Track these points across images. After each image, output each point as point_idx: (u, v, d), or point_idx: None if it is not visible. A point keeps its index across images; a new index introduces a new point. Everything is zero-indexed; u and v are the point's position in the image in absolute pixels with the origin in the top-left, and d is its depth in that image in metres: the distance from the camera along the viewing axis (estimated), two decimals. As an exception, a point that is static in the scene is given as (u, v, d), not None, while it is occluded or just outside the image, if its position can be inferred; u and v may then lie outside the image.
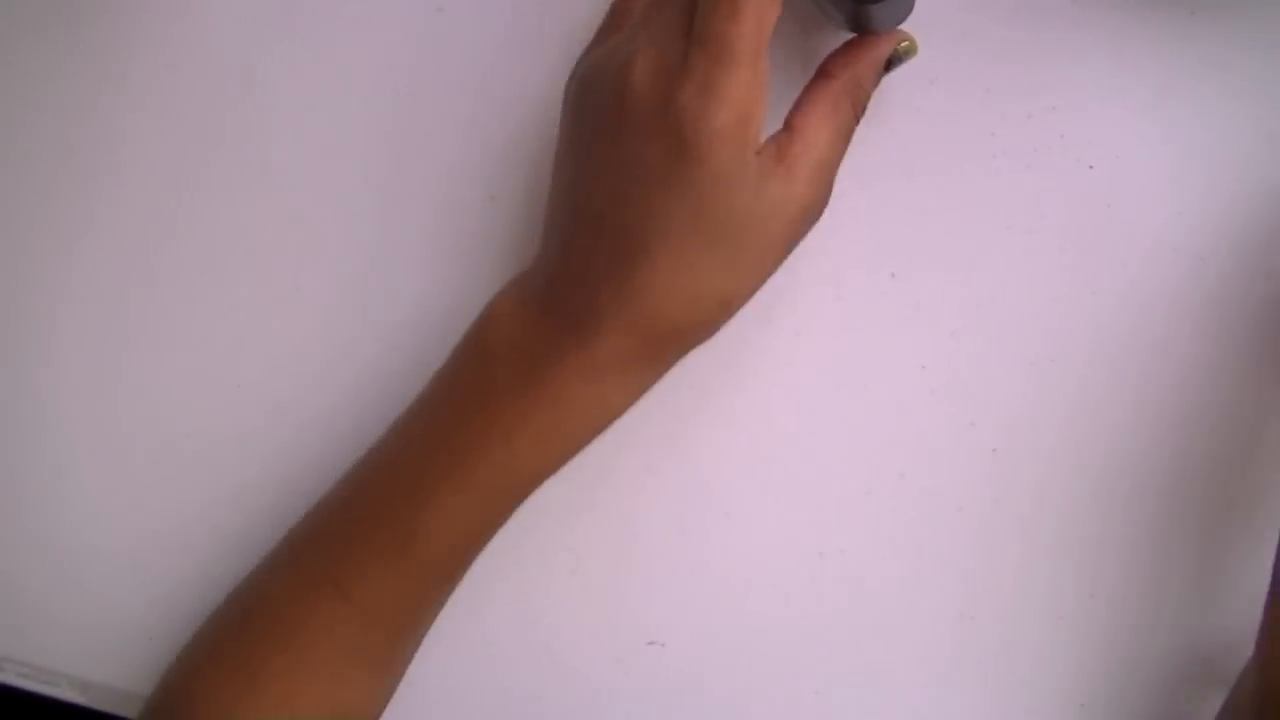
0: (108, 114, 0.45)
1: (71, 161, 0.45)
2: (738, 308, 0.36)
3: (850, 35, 0.40)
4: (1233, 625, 0.43)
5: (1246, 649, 0.38)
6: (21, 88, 0.45)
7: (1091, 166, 0.42)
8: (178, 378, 0.46)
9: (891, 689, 0.46)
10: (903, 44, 0.39)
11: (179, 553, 0.47)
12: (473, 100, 0.43)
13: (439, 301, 0.45)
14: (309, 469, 0.46)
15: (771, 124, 0.36)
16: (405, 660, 0.40)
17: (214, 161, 0.45)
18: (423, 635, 0.40)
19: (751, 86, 0.34)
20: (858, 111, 0.37)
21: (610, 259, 0.35)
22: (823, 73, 0.38)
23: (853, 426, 0.43)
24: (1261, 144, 0.42)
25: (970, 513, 0.44)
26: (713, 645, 0.45)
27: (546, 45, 0.43)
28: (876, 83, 0.38)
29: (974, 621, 0.45)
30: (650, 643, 0.45)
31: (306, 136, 0.44)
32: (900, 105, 0.42)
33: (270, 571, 0.41)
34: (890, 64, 0.38)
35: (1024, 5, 0.40)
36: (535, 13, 0.43)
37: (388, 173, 0.44)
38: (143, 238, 0.46)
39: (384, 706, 0.40)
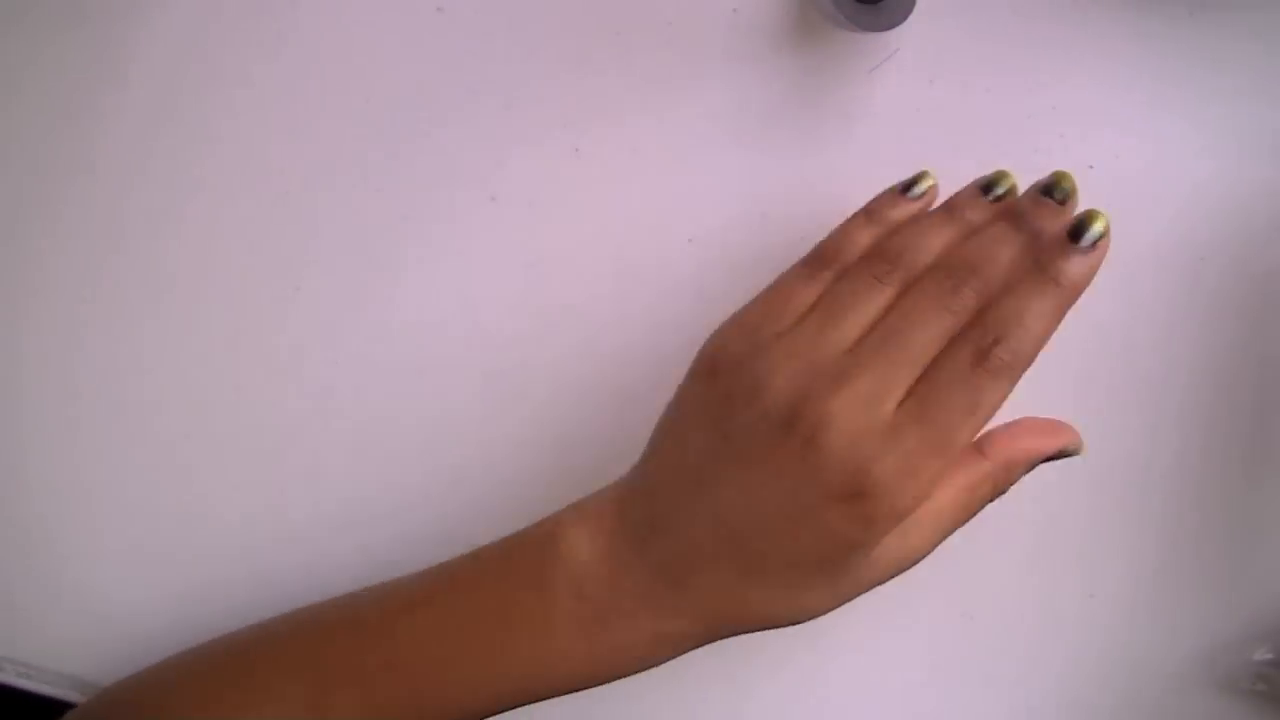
0: (107, 113, 0.45)
1: (70, 161, 0.45)
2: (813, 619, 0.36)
3: (852, 34, 0.40)
4: (1233, 625, 0.43)
5: (1247, 649, 0.38)
6: (21, 88, 0.45)
7: (1091, 166, 0.42)
8: (178, 378, 0.46)
9: (892, 689, 0.46)
10: (1067, 443, 0.37)
11: (179, 553, 0.47)
12: (473, 100, 0.43)
13: (439, 301, 0.45)
14: (309, 469, 0.46)
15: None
16: None
17: (213, 161, 0.45)
18: None
19: (944, 474, 0.33)
20: (997, 494, 0.36)
21: (725, 564, 0.34)
22: (979, 449, 0.36)
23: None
24: (1261, 144, 0.42)
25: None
26: (714, 645, 0.45)
27: (546, 45, 0.43)
28: (1028, 472, 0.37)
29: (974, 621, 0.45)
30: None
31: (306, 136, 0.44)
32: (900, 105, 0.42)
33: (248, 657, 0.40)
34: (1055, 456, 0.37)
35: (1024, 5, 0.41)
36: (535, 13, 0.43)
37: (388, 173, 0.44)
38: (142, 238, 0.46)
39: None
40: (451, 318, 0.45)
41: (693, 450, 0.35)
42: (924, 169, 0.39)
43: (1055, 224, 0.35)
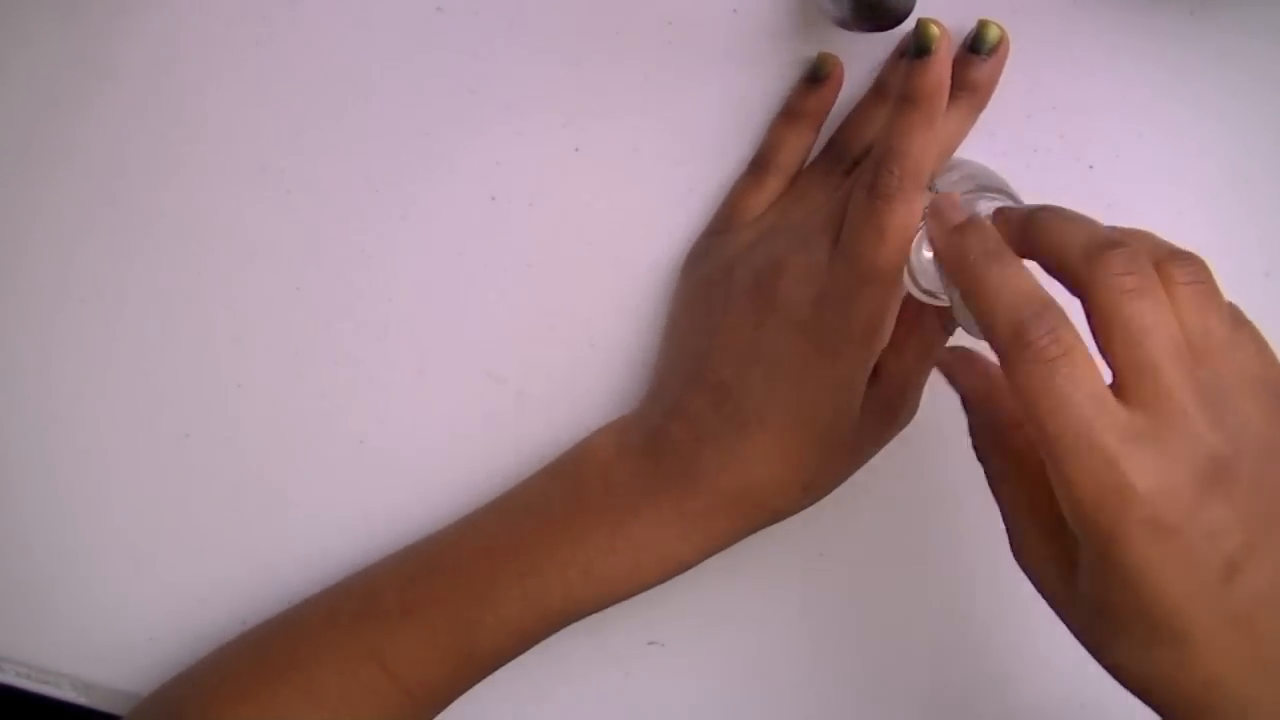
0: (106, 115, 0.45)
1: (69, 161, 0.45)
2: (818, 499, 0.39)
3: (852, 34, 0.40)
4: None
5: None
6: (13, 83, 0.45)
7: (1091, 166, 0.42)
8: (178, 378, 0.46)
9: (892, 688, 0.46)
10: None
11: (179, 553, 0.47)
12: (473, 100, 0.43)
13: (439, 301, 0.45)
14: (309, 468, 0.46)
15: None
16: None
17: (212, 161, 0.45)
18: None
19: (886, 302, 0.36)
20: (946, 328, 0.39)
21: (722, 425, 0.38)
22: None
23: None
24: (1261, 143, 0.42)
25: (970, 512, 0.44)
26: (713, 645, 0.45)
27: (546, 45, 0.43)
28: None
29: (973, 621, 0.45)
30: (650, 643, 0.45)
31: (306, 136, 0.44)
32: (900, 105, 0.42)
33: (302, 627, 0.42)
34: None
35: (1024, 5, 0.40)
36: (535, 12, 0.43)
37: (388, 173, 0.44)
38: (142, 238, 0.46)
39: None
40: (451, 317, 0.45)
41: (685, 337, 0.40)
42: (821, 52, 0.41)
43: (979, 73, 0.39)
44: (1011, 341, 0.29)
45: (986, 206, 0.38)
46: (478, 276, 0.45)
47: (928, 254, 0.39)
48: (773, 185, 0.41)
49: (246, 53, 0.44)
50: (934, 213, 0.34)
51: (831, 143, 0.41)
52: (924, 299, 0.38)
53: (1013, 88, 0.42)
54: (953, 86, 0.37)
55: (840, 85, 0.41)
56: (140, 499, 0.47)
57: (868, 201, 0.36)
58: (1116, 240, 0.30)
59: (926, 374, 0.39)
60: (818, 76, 0.41)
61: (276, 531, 0.47)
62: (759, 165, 0.42)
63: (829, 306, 0.36)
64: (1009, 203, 0.38)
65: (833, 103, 0.41)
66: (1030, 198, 0.38)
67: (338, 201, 0.45)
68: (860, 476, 0.43)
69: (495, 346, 0.45)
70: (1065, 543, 0.31)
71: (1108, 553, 0.28)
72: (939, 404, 0.43)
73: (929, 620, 0.46)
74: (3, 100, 0.45)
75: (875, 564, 0.45)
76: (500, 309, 0.45)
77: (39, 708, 0.48)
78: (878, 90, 0.41)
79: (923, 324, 0.39)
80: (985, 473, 0.34)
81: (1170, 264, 0.30)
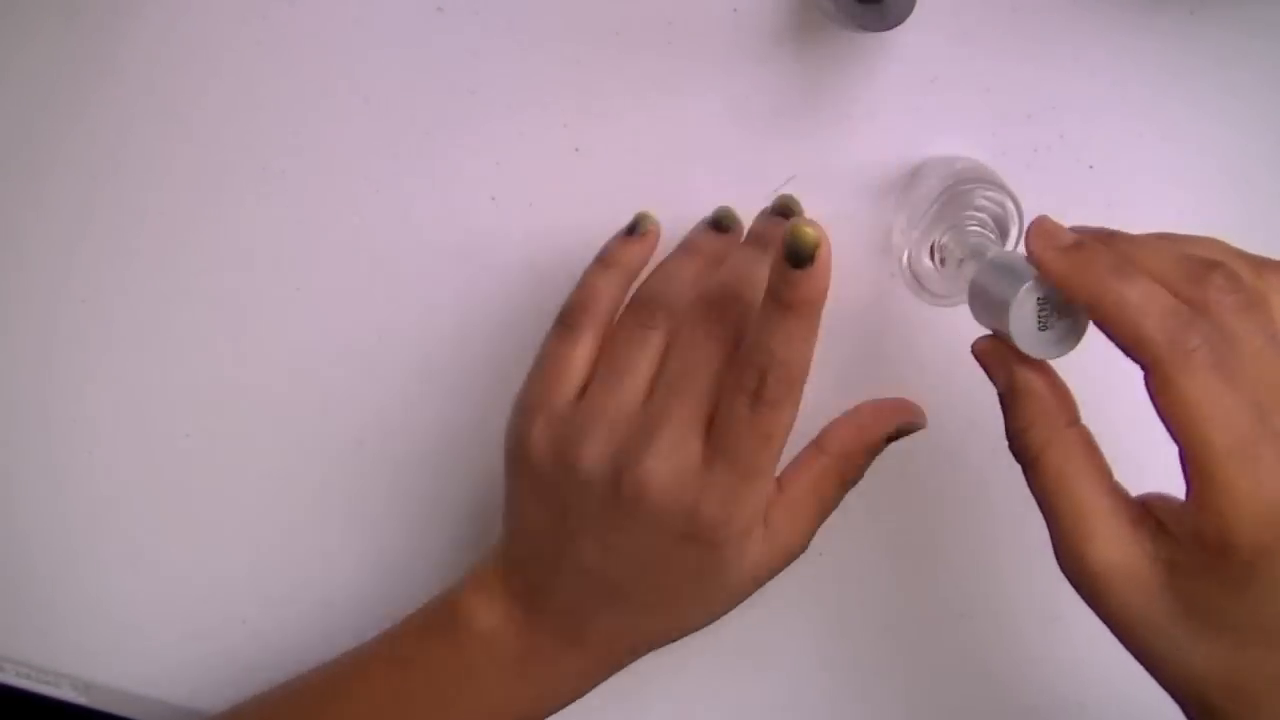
0: (107, 115, 0.45)
1: (70, 162, 0.45)
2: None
3: (852, 34, 0.40)
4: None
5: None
6: (22, 87, 0.45)
7: (1091, 166, 0.42)
8: (178, 378, 0.46)
9: (892, 688, 0.46)
10: (904, 423, 0.39)
11: (179, 553, 0.47)
12: (473, 100, 0.43)
13: (439, 301, 0.45)
14: (308, 469, 0.46)
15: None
16: None
17: (213, 162, 0.45)
18: None
19: (768, 488, 0.36)
20: (847, 484, 0.38)
21: (605, 604, 0.37)
22: (818, 445, 0.38)
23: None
24: (1261, 143, 0.42)
25: (970, 512, 0.44)
26: (713, 645, 0.45)
27: (547, 45, 0.43)
28: (873, 457, 0.39)
29: (974, 621, 0.45)
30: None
31: (306, 136, 0.44)
32: (900, 105, 0.42)
33: None
34: (895, 436, 0.39)
35: (1024, 5, 0.40)
36: (535, 13, 0.43)
37: (388, 173, 0.44)
38: (142, 238, 0.46)
39: None
40: (452, 318, 0.45)
41: (540, 530, 0.38)
42: (642, 210, 0.40)
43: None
44: (1170, 353, 0.30)
45: (984, 201, 0.38)
46: (478, 276, 0.45)
47: (929, 263, 0.39)
48: (588, 342, 0.39)
49: (246, 53, 0.44)
50: (1039, 234, 0.33)
51: (639, 296, 0.39)
52: (934, 304, 0.38)
53: (1013, 88, 0.42)
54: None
55: (655, 244, 0.40)
56: (140, 499, 0.47)
57: (752, 410, 0.34)
58: (1215, 261, 0.31)
59: (822, 519, 0.38)
60: (636, 230, 0.40)
61: (277, 530, 0.47)
62: (570, 321, 0.39)
63: (711, 512, 0.35)
64: (1004, 197, 0.38)
65: (647, 260, 0.40)
66: (1030, 198, 0.38)
67: (338, 201, 0.45)
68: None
69: (495, 346, 0.45)
70: (1146, 542, 0.31)
71: (1255, 564, 0.29)
72: (939, 405, 0.43)
73: (929, 620, 0.46)
74: (3, 99, 0.45)
75: (875, 564, 0.45)
76: (500, 309, 0.45)
77: (39, 708, 0.48)
78: (685, 248, 0.41)
79: (815, 475, 0.38)
80: (1032, 472, 0.33)
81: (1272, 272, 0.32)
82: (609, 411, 0.37)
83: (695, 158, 0.43)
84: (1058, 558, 0.33)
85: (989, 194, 0.38)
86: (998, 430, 0.39)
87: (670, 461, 0.35)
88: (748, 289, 0.37)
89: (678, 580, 0.37)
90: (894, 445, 0.41)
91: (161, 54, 0.44)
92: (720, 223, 0.41)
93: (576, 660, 0.38)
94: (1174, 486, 0.31)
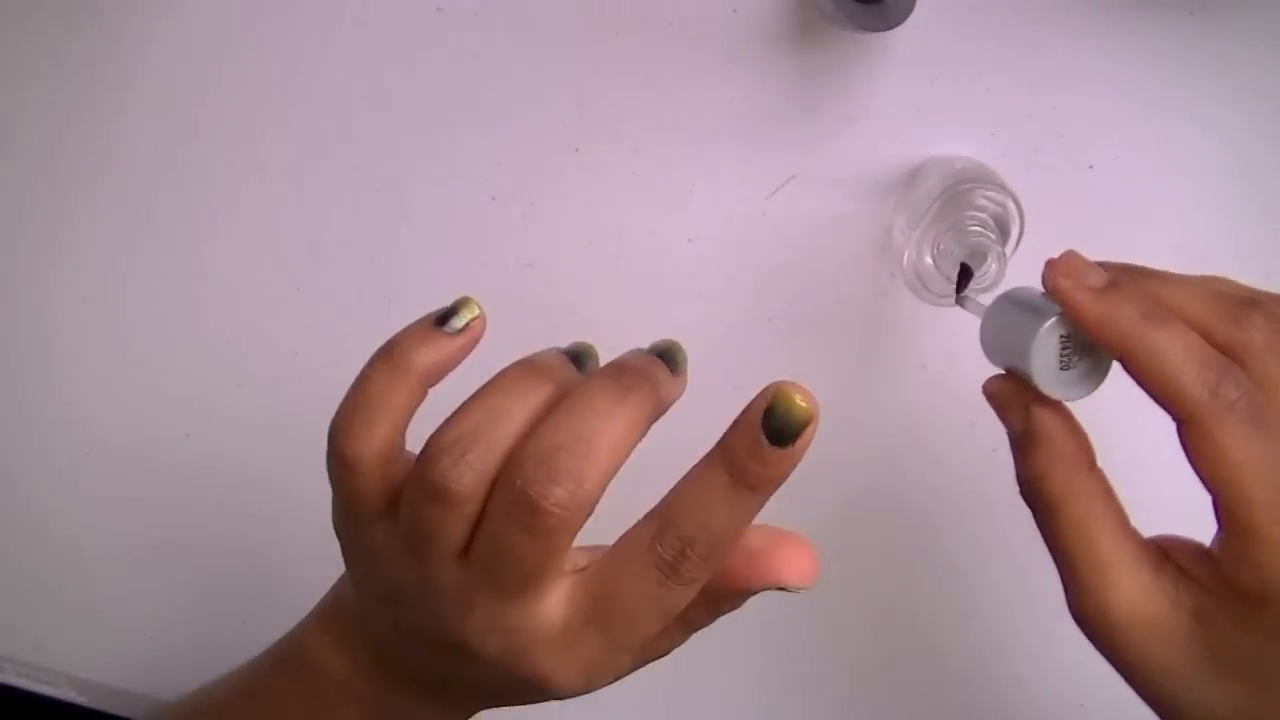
0: (108, 114, 0.45)
1: (71, 162, 0.45)
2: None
3: (852, 34, 0.40)
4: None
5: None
6: (28, 90, 0.45)
7: (1091, 166, 0.42)
8: (179, 377, 0.46)
9: (892, 688, 0.46)
10: (791, 580, 0.32)
11: (179, 553, 0.47)
12: (473, 100, 0.43)
13: (439, 301, 0.45)
14: (310, 468, 0.46)
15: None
16: None
17: (213, 161, 0.45)
18: None
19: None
20: (702, 626, 0.33)
21: (455, 671, 0.33)
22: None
23: (855, 426, 0.43)
24: (1261, 144, 0.42)
25: (970, 512, 0.44)
26: (713, 645, 0.45)
27: (546, 45, 0.43)
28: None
29: (974, 621, 0.45)
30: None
31: (306, 136, 0.44)
32: (901, 105, 0.42)
33: None
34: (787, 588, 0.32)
35: (1024, 5, 0.40)
36: (535, 12, 0.43)
37: (388, 172, 0.44)
38: (143, 238, 0.46)
39: None
40: (451, 318, 0.45)
41: (381, 620, 0.34)
42: (465, 296, 0.34)
43: (664, 379, 0.32)
44: (1210, 407, 0.28)
45: (985, 201, 0.38)
46: (478, 276, 0.45)
47: (929, 260, 0.39)
48: (372, 479, 0.34)
49: (247, 53, 0.44)
50: (1069, 271, 0.30)
51: (441, 444, 0.33)
52: (934, 304, 0.38)
53: (1013, 88, 0.42)
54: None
55: (474, 343, 0.34)
56: (140, 499, 0.47)
57: (662, 584, 0.29)
58: (1254, 300, 0.30)
59: (635, 639, 0.31)
60: (450, 323, 0.34)
61: (277, 530, 0.47)
62: (341, 445, 0.34)
63: (566, 682, 0.31)
64: (1004, 196, 0.38)
65: (455, 366, 0.34)
66: (1030, 198, 0.38)
67: (338, 201, 0.45)
68: (862, 477, 0.43)
69: (495, 347, 0.45)
70: (1169, 590, 0.30)
71: None
72: (939, 405, 0.43)
73: (929, 620, 0.46)
74: (10, 103, 0.45)
75: (876, 564, 0.45)
76: (500, 309, 0.45)
77: (39, 708, 0.48)
78: (530, 370, 0.34)
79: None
80: (1049, 519, 0.31)
81: None
82: (432, 575, 0.31)
83: (695, 158, 0.43)
84: (1073, 605, 0.31)
85: (989, 194, 0.38)
86: (997, 430, 0.39)
87: (527, 620, 0.30)
88: (593, 470, 0.29)
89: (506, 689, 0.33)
90: (893, 446, 0.41)
91: (162, 55, 0.44)
92: (579, 358, 0.35)
93: (437, 713, 0.35)
94: (1166, 513, 0.31)
